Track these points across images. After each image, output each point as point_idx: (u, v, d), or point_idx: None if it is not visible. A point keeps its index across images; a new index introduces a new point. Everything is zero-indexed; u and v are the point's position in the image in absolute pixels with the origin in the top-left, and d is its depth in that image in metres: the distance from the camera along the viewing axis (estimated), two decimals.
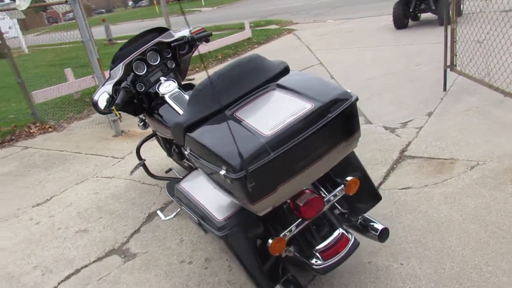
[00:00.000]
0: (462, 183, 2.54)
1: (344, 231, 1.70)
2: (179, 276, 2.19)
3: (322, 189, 1.77)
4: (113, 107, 2.41)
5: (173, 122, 1.66)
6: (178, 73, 2.85)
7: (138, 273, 2.28)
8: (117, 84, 2.48)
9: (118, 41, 14.34)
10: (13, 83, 6.05)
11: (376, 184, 2.70)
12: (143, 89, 2.62)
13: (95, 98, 2.45)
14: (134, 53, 2.60)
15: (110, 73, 2.57)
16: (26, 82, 5.70)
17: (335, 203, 1.87)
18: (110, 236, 2.69)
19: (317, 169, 1.47)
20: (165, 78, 2.66)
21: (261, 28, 12.00)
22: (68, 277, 2.36)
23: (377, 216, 2.32)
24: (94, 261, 2.47)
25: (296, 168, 1.40)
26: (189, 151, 1.57)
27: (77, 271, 2.40)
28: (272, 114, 1.46)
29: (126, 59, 2.56)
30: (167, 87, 2.55)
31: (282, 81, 1.65)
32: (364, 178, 1.85)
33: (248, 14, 18.04)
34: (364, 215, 1.90)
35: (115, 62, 2.58)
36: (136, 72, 2.61)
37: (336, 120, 1.43)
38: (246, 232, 1.62)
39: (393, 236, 2.17)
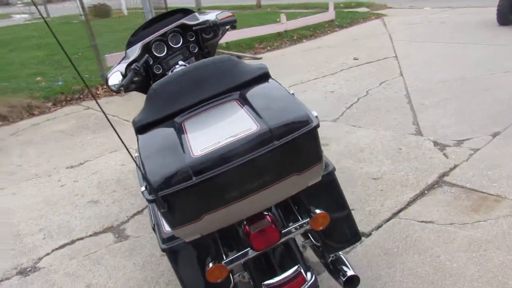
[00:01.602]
0: (497, 229, 2.11)
1: (302, 269, 1.48)
2: (154, 270, 2.13)
3: (284, 218, 1.55)
4: (121, 87, 2.36)
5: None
6: (201, 58, 2.72)
7: (119, 258, 2.27)
8: (131, 64, 2.43)
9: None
10: (105, 43, 6.40)
11: (394, 210, 2.37)
12: (160, 71, 2.54)
13: (108, 75, 2.42)
14: (155, 34, 2.52)
15: (126, 52, 2.52)
16: (108, 44, 5.98)
17: (309, 234, 1.65)
18: (115, 212, 2.73)
19: (258, 201, 1.25)
20: (183, 62, 2.55)
21: (350, 10, 11.31)
22: (62, 247, 2.44)
23: (378, 249, 2.04)
24: (90, 236, 2.52)
25: (228, 198, 1.20)
26: (137, 155, 1.45)
27: (72, 242, 2.48)
28: (215, 131, 1.27)
29: (146, 40, 2.49)
30: None
31: (247, 91, 1.43)
32: (342, 213, 1.59)
33: None
34: (340, 254, 1.64)
35: (132, 41, 2.52)
36: (156, 54, 2.53)
37: (285, 148, 1.19)
38: (194, 250, 1.48)
39: (386, 278, 1.88)
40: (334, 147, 3.26)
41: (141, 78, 2.46)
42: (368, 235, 2.21)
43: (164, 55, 2.55)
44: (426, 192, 2.53)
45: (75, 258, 2.32)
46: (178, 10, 2.64)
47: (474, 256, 1.95)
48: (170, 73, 2.45)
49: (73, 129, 4.52)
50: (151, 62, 2.53)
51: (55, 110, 5.37)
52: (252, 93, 1.41)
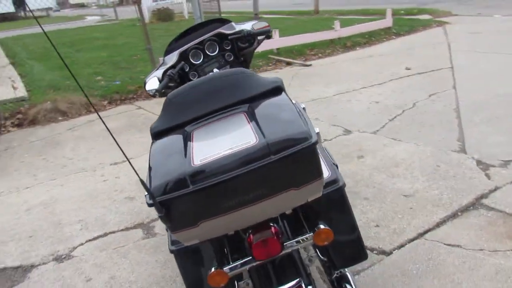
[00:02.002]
0: None
1: (303, 283, 1.48)
2: (173, 268, 2.22)
3: (290, 230, 1.56)
4: (156, 92, 2.49)
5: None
6: (236, 66, 2.78)
7: (144, 254, 2.38)
8: (167, 71, 2.55)
9: (264, 16, 14.73)
10: (161, 46, 6.72)
11: (421, 230, 2.27)
12: (196, 78, 2.64)
13: (146, 80, 2.56)
14: (192, 42, 2.62)
15: (164, 59, 2.64)
16: (162, 48, 6.27)
17: (315, 248, 1.64)
18: (147, 210, 2.87)
19: (255, 212, 1.28)
20: (217, 70, 2.63)
21: (410, 17, 10.92)
22: (95, 238, 2.61)
23: (396, 269, 1.98)
24: (121, 230, 2.67)
25: (224, 207, 1.24)
26: None
27: (105, 234, 2.64)
28: (218, 141, 1.31)
29: (183, 47, 2.60)
30: None
31: (256, 104, 1.46)
32: (349, 230, 1.57)
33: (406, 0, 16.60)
34: (346, 271, 1.62)
35: (170, 49, 2.64)
36: (192, 61, 2.63)
37: (282, 163, 1.21)
38: (200, 254, 1.54)
39: None
40: (369, 160, 3.18)
41: (176, 84, 2.58)
42: (389, 253, 2.14)
43: (200, 62, 2.65)
44: (459, 214, 2.40)
45: (105, 250, 2.47)
46: (215, 19, 2.72)
47: (500, 287, 1.83)
48: None
49: (123, 127, 4.79)
50: (187, 69, 2.63)
51: (110, 108, 5.71)
52: (260, 107, 1.44)
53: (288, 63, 7.22)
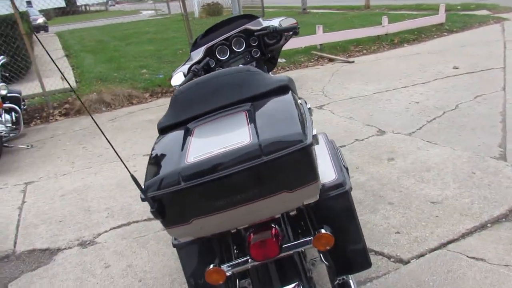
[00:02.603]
0: None
1: (302, 286, 1.45)
2: None
3: (291, 231, 1.53)
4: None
5: None
6: (263, 63, 2.77)
7: (162, 245, 2.44)
8: (192, 66, 2.58)
9: (312, 10, 14.54)
10: None
11: (444, 240, 2.15)
12: None
13: (173, 74, 2.61)
14: (219, 38, 2.63)
15: (190, 55, 2.67)
16: None
17: (320, 251, 1.61)
18: None
19: (249, 213, 1.27)
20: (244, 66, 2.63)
21: (467, 12, 10.32)
22: (119, 226, 2.71)
23: (412, 280, 1.90)
24: (144, 220, 2.75)
25: (216, 206, 1.24)
26: None
27: (128, 223, 2.73)
28: (215, 140, 1.31)
29: (210, 43, 2.62)
30: None
31: (259, 103, 1.44)
32: (352, 236, 1.51)
33: None
34: (349, 278, 1.57)
35: (196, 45, 2.66)
36: (219, 57, 2.65)
37: (274, 165, 1.18)
38: (202, 250, 1.55)
39: None
40: (399, 163, 3.06)
41: None
42: (406, 262, 2.04)
43: (227, 58, 2.66)
44: (488, 225, 2.24)
45: (126, 238, 2.56)
46: (243, 15, 2.72)
47: None
48: None
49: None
50: (213, 65, 2.65)
51: (151, 101, 5.89)
52: (262, 106, 1.42)
53: (331, 60, 7.08)
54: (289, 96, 1.46)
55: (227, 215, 1.25)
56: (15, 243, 2.67)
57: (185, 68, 2.58)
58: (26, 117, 5.52)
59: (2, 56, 4.58)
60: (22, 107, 5.00)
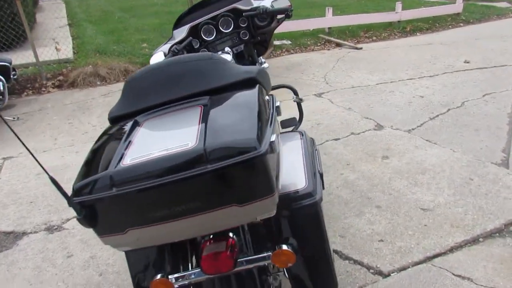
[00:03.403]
0: None
1: None
2: None
3: (251, 243, 1.36)
4: None
5: None
6: (252, 46, 2.56)
7: None
8: (174, 45, 2.38)
9: None
10: None
11: (430, 253, 1.98)
12: None
13: (153, 54, 2.41)
14: (205, 16, 2.42)
15: (173, 33, 2.47)
16: None
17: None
18: None
19: (193, 226, 1.09)
20: (229, 49, 2.43)
21: (486, 3, 9.88)
22: None
23: None
24: None
25: (153, 218, 1.07)
26: None
27: None
28: (159, 139, 1.13)
29: (194, 22, 2.41)
30: None
31: (218, 98, 1.25)
32: (318, 253, 1.35)
33: None
34: None
35: (180, 23, 2.46)
36: (204, 37, 2.45)
37: (220, 175, 1.01)
38: (153, 254, 1.40)
39: None
40: (394, 162, 2.86)
41: None
42: (386, 275, 1.88)
43: (212, 39, 2.46)
44: (480, 240, 2.07)
45: None
46: None
47: None
48: None
49: None
50: (197, 46, 2.46)
51: None
52: (220, 102, 1.23)
53: (338, 45, 6.80)
54: (253, 91, 1.26)
55: (168, 227, 1.08)
56: None
57: (166, 47, 2.38)
58: (18, 87, 5.38)
59: None
60: (12, 76, 4.84)
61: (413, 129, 3.39)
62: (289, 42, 6.94)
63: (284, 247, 1.26)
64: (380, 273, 1.90)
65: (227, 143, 1.01)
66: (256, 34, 2.50)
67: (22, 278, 2.06)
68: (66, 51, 6.35)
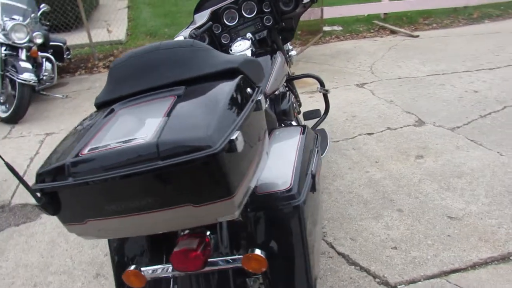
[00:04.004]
0: None
1: None
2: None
3: (228, 241, 1.29)
4: None
5: None
6: (277, 33, 2.45)
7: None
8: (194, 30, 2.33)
9: None
10: None
11: (447, 268, 1.79)
12: (228, 41, 2.39)
13: (174, 38, 2.38)
14: (227, 0, 2.34)
15: (193, 17, 2.42)
16: None
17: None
18: None
19: (153, 222, 1.04)
20: (251, 35, 2.34)
21: None
22: None
23: None
24: None
25: (109, 211, 1.03)
26: None
27: None
28: (123, 130, 1.08)
29: (216, 6, 2.34)
30: (237, 47, 2.24)
31: (194, 88, 1.17)
32: (294, 260, 1.24)
33: None
34: None
35: (202, 7, 2.40)
36: (226, 22, 2.38)
37: (172, 172, 0.94)
38: (135, 243, 1.38)
39: None
40: (428, 162, 2.63)
41: (208, 45, 2.38)
42: (392, 287, 1.73)
43: (235, 24, 2.39)
44: (511, 258, 1.83)
45: None
46: None
47: None
48: (236, 44, 2.28)
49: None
50: (219, 31, 2.39)
51: None
52: (194, 93, 1.15)
53: (392, 32, 6.39)
54: (231, 83, 1.16)
55: (125, 221, 1.04)
56: (13, 194, 2.70)
57: (187, 32, 2.34)
58: (72, 66, 5.66)
59: (43, 5, 4.62)
60: (65, 56, 5.09)
61: (458, 127, 3.09)
62: (340, 28, 6.64)
63: (257, 251, 1.18)
64: (386, 283, 1.75)
65: (180, 140, 0.93)
66: (281, 20, 2.38)
67: (37, 251, 2.15)
68: (118, 32, 6.55)
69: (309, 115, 2.77)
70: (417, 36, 6.03)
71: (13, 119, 3.88)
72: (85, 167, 0.98)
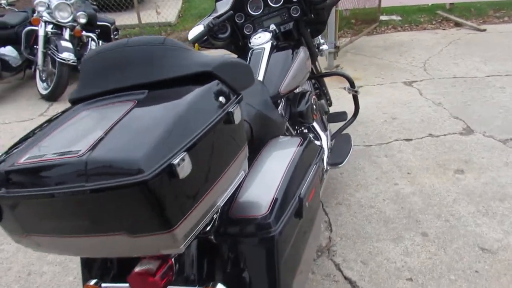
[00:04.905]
0: None
1: None
2: None
3: (196, 266, 1.16)
4: (193, 43, 2.17)
5: None
6: (305, 25, 2.24)
7: None
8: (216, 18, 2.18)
9: None
10: None
11: None
12: (251, 32, 2.22)
13: (194, 26, 2.25)
14: None
15: (215, 5, 2.26)
16: None
17: None
18: None
19: (87, 246, 0.93)
20: (274, 27, 2.16)
21: None
22: None
23: None
24: None
25: (44, 228, 0.94)
26: None
27: None
28: (67, 138, 0.96)
29: None
30: (256, 39, 2.07)
31: (157, 94, 1.03)
32: None
33: None
34: None
35: None
36: (250, 11, 2.21)
37: (100, 196, 0.81)
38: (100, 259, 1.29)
39: None
40: (468, 179, 2.32)
41: (228, 35, 2.24)
42: None
43: (260, 14, 2.22)
44: None
45: None
46: None
47: None
48: (255, 36, 2.12)
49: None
50: (242, 20, 2.23)
51: None
52: (153, 100, 1.02)
53: (457, 24, 5.83)
54: (196, 90, 1.01)
55: (63, 241, 0.95)
56: None
57: (207, 20, 2.20)
58: None
59: None
60: (113, 36, 5.16)
61: (511, 139, 2.72)
62: (399, 18, 6.17)
63: (219, 286, 1.04)
64: None
65: (110, 160, 0.81)
66: (309, 11, 2.17)
67: None
68: (167, 14, 6.54)
69: (333, 117, 2.55)
70: (484, 30, 5.45)
71: (52, 97, 4.00)
72: (17, 179, 0.90)
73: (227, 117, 0.99)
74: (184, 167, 0.82)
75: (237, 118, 1.02)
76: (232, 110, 1.00)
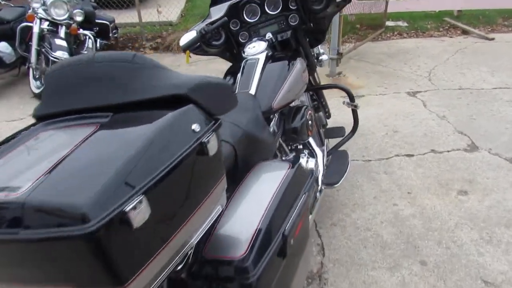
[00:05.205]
0: None
1: None
2: None
3: None
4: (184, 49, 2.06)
5: None
6: (304, 34, 2.12)
7: None
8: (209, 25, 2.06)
9: None
10: None
11: None
12: (246, 40, 2.10)
13: (187, 32, 2.14)
14: None
15: (209, 11, 2.14)
16: None
17: None
18: None
19: None
20: (271, 35, 2.04)
21: None
22: None
23: None
24: None
25: None
26: None
27: None
28: (15, 169, 0.84)
29: None
30: (251, 48, 1.95)
31: (121, 118, 0.91)
32: None
33: None
34: None
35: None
36: (246, 18, 2.09)
37: (39, 244, 0.70)
38: None
39: None
40: (471, 201, 2.19)
41: (223, 42, 2.11)
42: None
43: (256, 21, 2.09)
44: None
45: None
46: None
47: None
48: (249, 45, 2.00)
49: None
50: (237, 27, 2.11)
51: None
52: (117, 124, 0.90)
53: (464, 32, 5.69)
54: (164, 117, 0.88)
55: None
56: None
57: (200, 26, 2.09)
58: (120, 45, 5.63)
59: None
60: (111, 35, 5.05)
61: None
62: (405, 24, 6.03)
63: None
64: None
65: (50, 203, 0.68)
66: (309, 20, 2.05)
67: None
68: (169, 13, 6.42)
69: (331, 133, 2.42)
70: (492, 39, 5.30)
71: None
72: None
73: (200, 147, 0.87)
74: (140, 213, 0.70)
75: (212, 148, 0.90)
76: (206, 140, 0.88)
